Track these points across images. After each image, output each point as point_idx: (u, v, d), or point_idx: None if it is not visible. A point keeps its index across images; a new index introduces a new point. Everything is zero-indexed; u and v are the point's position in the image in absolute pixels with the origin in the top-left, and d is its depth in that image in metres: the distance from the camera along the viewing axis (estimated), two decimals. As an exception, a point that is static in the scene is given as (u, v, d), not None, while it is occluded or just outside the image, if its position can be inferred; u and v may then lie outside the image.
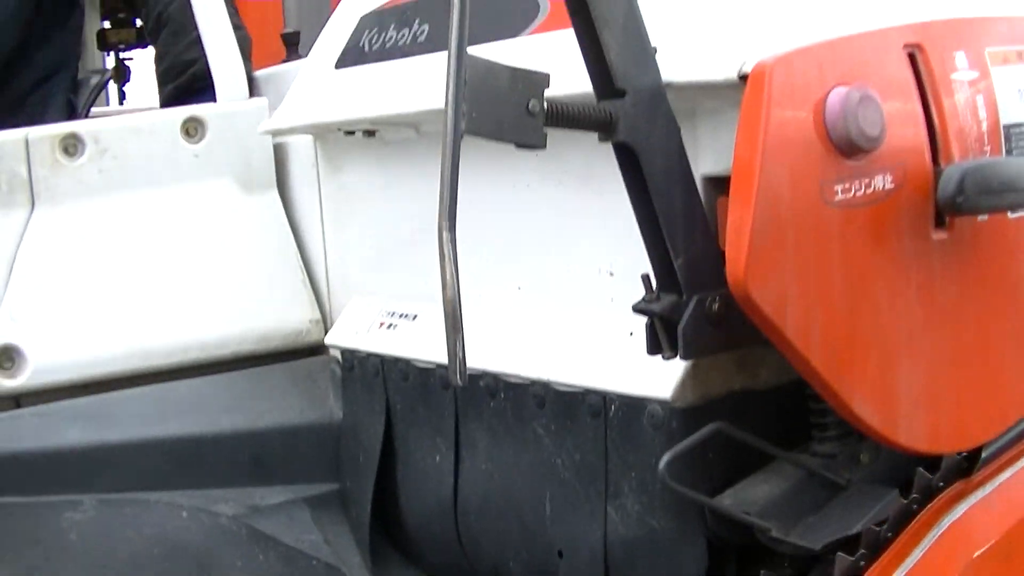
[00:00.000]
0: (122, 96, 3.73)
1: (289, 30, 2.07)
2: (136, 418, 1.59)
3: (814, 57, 1.18)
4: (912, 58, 1.25)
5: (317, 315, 1.74)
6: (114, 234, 1.66)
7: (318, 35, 1.79)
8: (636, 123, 1.16)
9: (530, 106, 1.11)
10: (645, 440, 1.31)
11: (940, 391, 1.28)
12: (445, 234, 1.05)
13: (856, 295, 1.19)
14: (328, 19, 1.80)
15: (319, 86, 1.65)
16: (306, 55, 1.96)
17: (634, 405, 1.31)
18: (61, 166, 1.64)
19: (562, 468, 1.40)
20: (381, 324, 1.62)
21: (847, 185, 1.17)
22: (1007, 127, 1.31)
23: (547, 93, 1.11)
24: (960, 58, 1.29)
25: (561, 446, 1.40)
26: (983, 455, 1.37)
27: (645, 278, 1.21)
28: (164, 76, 1.96)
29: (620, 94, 1.15)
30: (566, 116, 1.14)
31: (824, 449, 1.32)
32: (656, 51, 1.20)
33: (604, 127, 1.16)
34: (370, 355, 1.61)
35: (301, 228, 1.77)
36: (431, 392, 1.54)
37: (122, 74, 3.43)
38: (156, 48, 2.03)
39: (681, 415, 1.28)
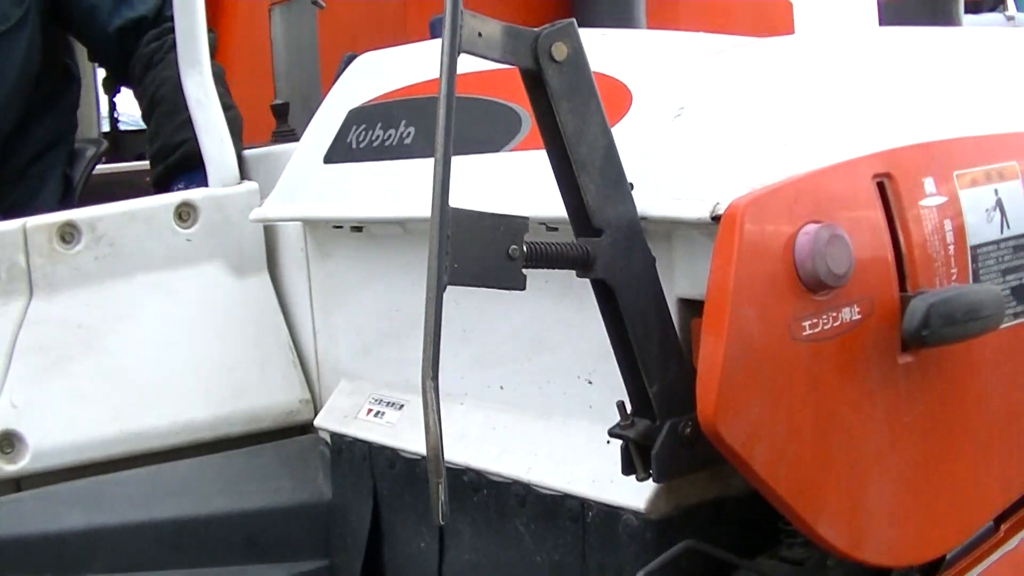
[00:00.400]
0: (112, 107, 3.74)
1: (279, 101, 2.11)
2: (132, 500, 1.64)
3: (785, 195, 1.22)
4: (881, 187, 1.30)
5: (307, 395, 1.79)
6: (110, 319, 1.71)
7: (307, 106, 1.84)
8: (613, 259, 1.21)
9: (510, 251, 1.15)
10: (621, 547, 1.36)
11: (905, 506, 1.33)
12: (428, 383, 1.10)
13: (823, 424, 1.24)
14: (317, 93, 1.85)
15: (308, 179, 1.69)
16: (295, 127, 2.01)
17: (610, 513, 1.37)
18: (58, 254, 1.68)
19: (542, 566, 1.45)
20: (369, 411, 1.67)
21: (815, 320, 1.21)
22: (974, 248, 1.36)
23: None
24: (929, 184, 1.33)
25: (541, 545, 1.45)
26: (947, 557, 1.43)
27: (620, 404, 1.25)
28: (156, 156, 1.99)
29: (597, 233, 1.20)
30: (545, 257, 1.19)
31: (792, 555, 1.37)
32: (633, 187, 1.24)
33: (582, 265, 1.21)
34: (357, 440, 1.66)
35: (292, 309, 1.82)
36: (417, 481, 1.59)
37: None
38: (148, 128, 2.06)
39: (655, 526, 1.34)
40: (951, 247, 1.34)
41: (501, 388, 1.54)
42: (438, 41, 1.78)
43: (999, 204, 1.40)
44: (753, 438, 1.19)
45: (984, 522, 1.44)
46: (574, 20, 1.21)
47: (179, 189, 1.95)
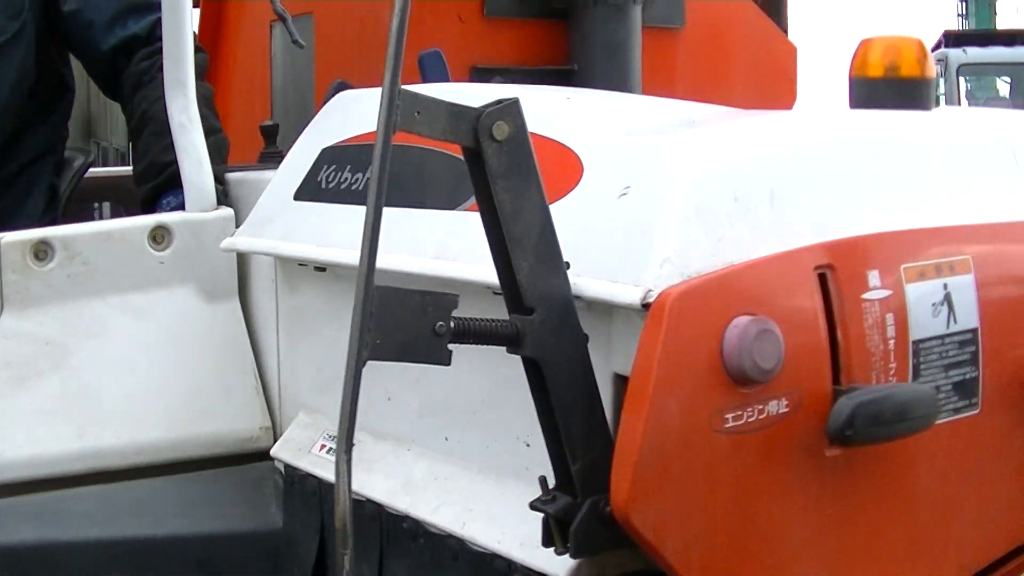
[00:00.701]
0: None
1: (268, 123, 2.13)
2: (88, 517, 1.67)
3: (717, 286, 1.23)
4: (823, 279, 1.30)
5: (268, 423, 1.81)
6: (79, 337, 1.74)
7: (300, 128, 1.86)
8: (543, 338, 1.22)
9: (437, 327, 1.17)
10: (544, 612, 1.38)
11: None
12: (342, 455, 1.12)
13: (742, 515, 1.24)
14: (311, 115, 1.87)
15: (278, 213, 1.72)
16: (284, 148, 2.03)
17: (534, 577, 1.38)
18: (32, 271, 1.71)
19: (469, 619, 1.47)
20: (322, 446, 1.70)
21: (738, 413, 1.22)
22: (916, 343, 1.36)
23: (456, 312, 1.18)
24: (873, 277, 1.34)
25: (469, 597, 1.47)
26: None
27: (542, 480, 1.27)
28: (142, 176, 2.02)
29: (529, 311, 1.21)
30: (473, 333, 1.20)
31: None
32: (569, 267, 1.25)
33: (511, 342, 1.22)
34: (309, 475, 1.68)
35: (259, 337, 1.84)
36: (361, 522, 1.61)
37: None
38: (136, 147, 2.09)
39: (572, 599, 1.35)
40: (891, 341, 1.34)
41: (446, 439, 1.56)
42: (432, 87, 1.81)
43: (947, 299, 1.40)
44: (665, 526, 1.20)
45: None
46: (519, 99, 1.21)
47: (166, 205, 1.98)
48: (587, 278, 1.29)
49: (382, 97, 1.13)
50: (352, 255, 1.57)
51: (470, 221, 1.48)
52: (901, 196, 1.41)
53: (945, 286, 1.39)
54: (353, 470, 1.65)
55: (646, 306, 1.21)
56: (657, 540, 1.20)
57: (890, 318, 1.34)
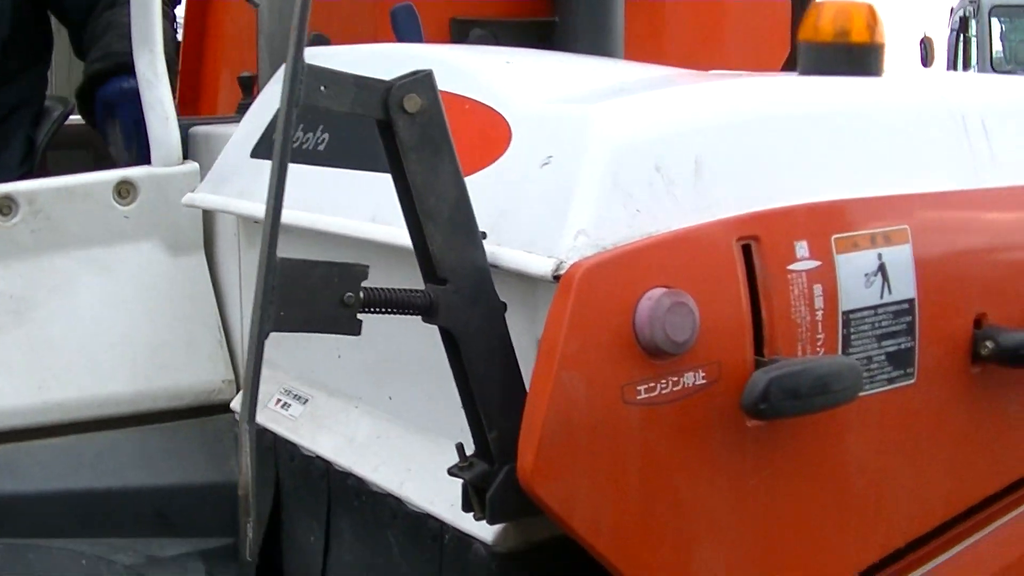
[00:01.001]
0: None
1: (246, 74, 2.13)
2: (47, 469, 1.71)
3: (632, 259, 1.23)
4: (747, 250, 1.29)
5: (231, 376, 1.84)
6: (43, 292, 1.76)
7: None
8: (457, 309, 1.23)
9: (345, 298, 1.18)
10: (471, 574, 1.40)
11: (749, 568, 1.34)
12: (245, 426, 1.13)
13: (656, 486, 1.25)
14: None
15: (236, 170, 1.73)
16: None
17: (464, 540, 1.40)
18: (-5, 226, 1.74)
19: (408, 579, 1.50)
20: (278, 401, 1.72)
21: (651, 385, 1.22)
22: (847, 313, 1.35)
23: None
24: (801, 248, 1.32)
25: (407, 558, 1.49)
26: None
27: (459, 446, 1.28)
28: (96, 58, 2.02)
29: (442, 281, 1.22)
30: (384, 302, 1.21)
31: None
32: (485, 236, 1.26)
33: (425, 312, 1.23)
34: (265, 429, 1.71)
35: (224, 290, 1.86)
36: (310, 479, 1.64)
37: None
38: (95, 46, 2.09)
39: (501, 559, 1.37)
40: (819, 312, 1.33)
41: (390, 398, 1.58)
42: (383, 46, 1.80)
43: (882, 269, 1.38)
44: (573, 497, 1.21)
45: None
46: (432, 71, 1.21)
47: (116, 85, 1.99)
48: (506, 248, 1.29)
49: (285, 72, 1.13)
50: (296, 216, 1.58)
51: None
52: (837, 165, 1.39)
53: (880, 256, 1.38)
54: (304, 427, 1.69)
55: (557, 278, 1.21)
56: (564, 511, 1.21)
57: (818, 289, 1.33)
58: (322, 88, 1.15)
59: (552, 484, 1.19)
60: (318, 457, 1.62)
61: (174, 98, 1.88)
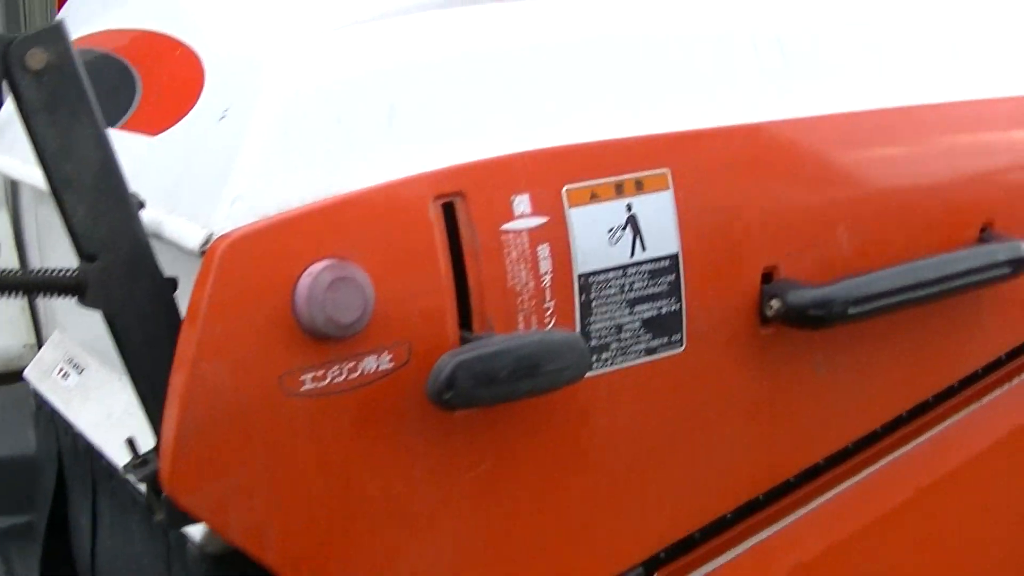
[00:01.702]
0: None
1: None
2: None
3: (292, 228, 1.05)
4: (448, 209, 1.11)
5: (33, 340, 1.72)
6: None
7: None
8: (108, 288, 1.07)
9: None
10: (191, 572, 1.27)
11: (474, 566, 1.19)
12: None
13: (337, 490, 1.09)
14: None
15: (8, 123, 1.58)
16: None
17: (183, 538, 1.27)
18: None
19: (149, 569, 1.37)
20: (60, 370, 1.59)
21: (320, 373, 1.06)
22: (584, 276, 1.16)
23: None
24: (521, 203, 1.14)
25: (146, 549, 1.37)
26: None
27: (130, 441, 1.14)
28: None
29: (91, 258, 1.07)
30: (29, 284, 1.07)
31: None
32: (143, 206, 1.10)
33: (72, 292, 1.08)
34: (46, 400, 1.59)
35: (28, 250, 1.73)
36: (78, 456, 1.52)
37: None
38: None
39: (210, 560, 1.23)
40: (547, 277, 1.15)
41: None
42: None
43: (631, 221, 1.19)
44: (227, 505, 1.06)
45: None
46: (63, 22, 1.05)
47: None
48: (174, 216, 1.13)
49: None
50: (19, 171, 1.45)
51: (125, 141, 1.33)
52: (574, 104, 1.19)
53: (629, 207, 1.18)
54: (75, 398, 1.56)
55: (203, 254, 1.05)
56: (218, 521, 1.06)
57: (544, 250, 1.14)
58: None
59: (198, 492, 1.04)
60: (82, 433, 1.50)
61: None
